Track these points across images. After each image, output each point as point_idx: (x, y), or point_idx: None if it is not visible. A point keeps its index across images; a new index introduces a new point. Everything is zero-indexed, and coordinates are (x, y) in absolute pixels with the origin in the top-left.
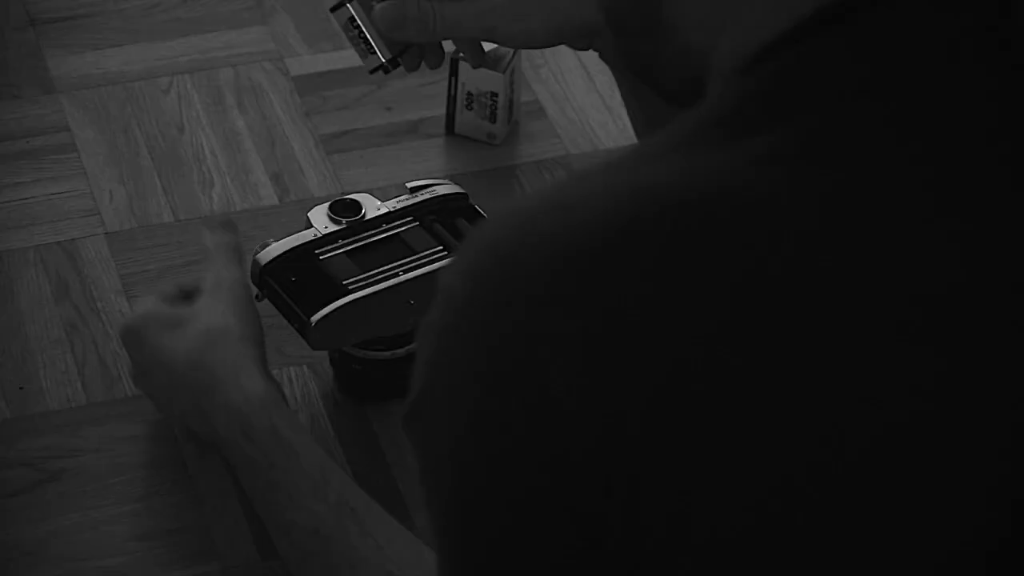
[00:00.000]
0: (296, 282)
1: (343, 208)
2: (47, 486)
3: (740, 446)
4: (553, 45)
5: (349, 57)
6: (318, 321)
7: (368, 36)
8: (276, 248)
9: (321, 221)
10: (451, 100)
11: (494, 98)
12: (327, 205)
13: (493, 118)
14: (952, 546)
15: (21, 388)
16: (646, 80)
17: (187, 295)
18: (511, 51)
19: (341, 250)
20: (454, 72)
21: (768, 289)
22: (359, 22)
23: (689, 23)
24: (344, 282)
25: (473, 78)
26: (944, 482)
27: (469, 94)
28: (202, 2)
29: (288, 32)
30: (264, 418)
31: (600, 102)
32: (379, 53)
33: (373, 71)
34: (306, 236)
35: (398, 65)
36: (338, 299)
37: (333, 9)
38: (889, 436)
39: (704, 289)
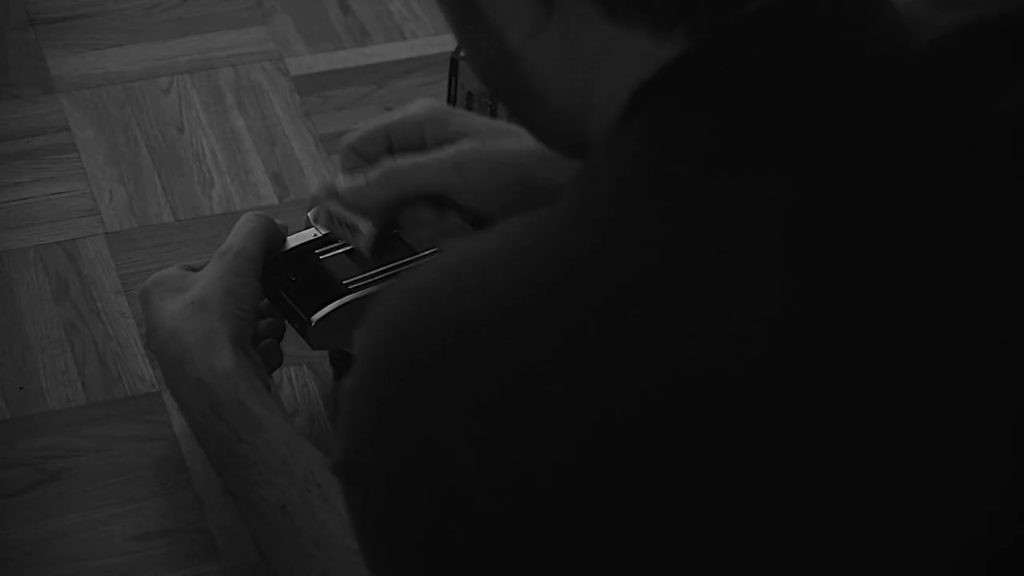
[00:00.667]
0: (296, 282)
1: None
2: (47, 486)
3: (710, 473)
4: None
5: (349, 57)
6: (318, 321)
7: (347, 221)
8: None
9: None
10: (451, 100)
11: (494, 98)
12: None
13: (493, 118)
14: (951, 556)
15: (21, 388)
16: (536, 139)
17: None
18: None
19: (341, 250)
20: (454, 72)
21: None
22: (337, 213)
23: (557, 91)
24: (344, 282)
25: (473, 78)
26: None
27: (469, 94)
28: (202, 2)
29: (288, 32)
30: (230, 391)
31: None
32: (361, 230)
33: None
34: (306, 236)
35: (393, 231)
36: (338, 299)
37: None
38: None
39: (628, 345)
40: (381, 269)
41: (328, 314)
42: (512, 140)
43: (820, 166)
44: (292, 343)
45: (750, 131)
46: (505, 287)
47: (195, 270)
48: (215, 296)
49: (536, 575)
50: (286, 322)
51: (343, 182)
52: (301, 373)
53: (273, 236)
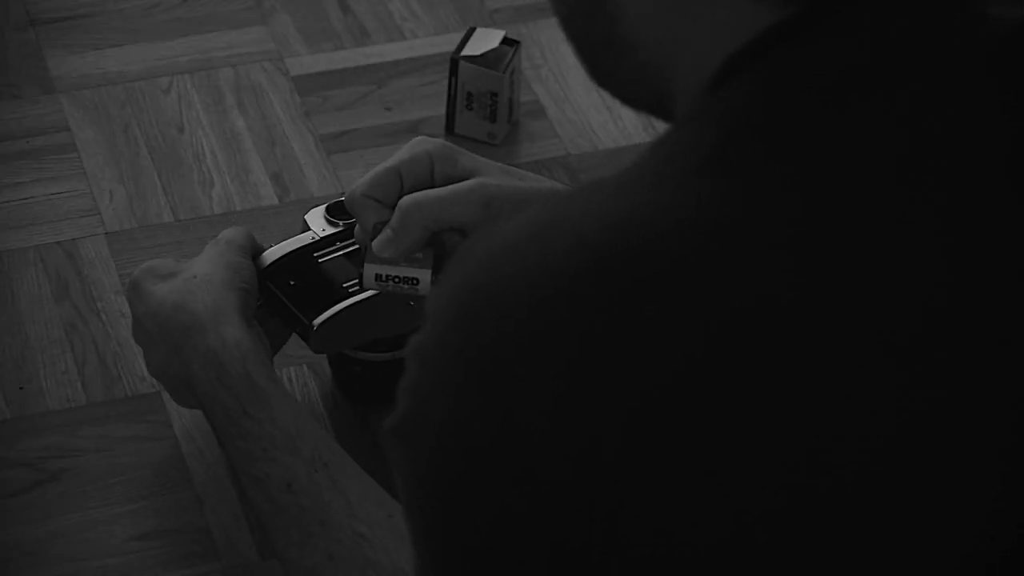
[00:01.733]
0: (296, 286)
1: (340, 210)
2: (47, 486)
3: (722, 470)
4: None
5: (349, 57)
6: (320, 325)
7: (400, 275)
8: (274, 252)
9: (318, 224)
10: (451, 100)
11: (494, 98)
12: (323, 208)
13: (493, 118)
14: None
15: (21, 388)
16: (614, 94)
17: None
18: (511, 51)
19: (339, 253)
20: (454, 72)
21: (743, 321)
22: (388, 274)
23: (647, 41)
24: (344, 285)
25: (473, 78)
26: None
27: (469, 94)
28: (202, 2)
29: (288, 32)
30: (238, 364)
31: (600, 102)
32: (418, 278)
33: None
34: (304, 239)
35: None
36: (339, 302)
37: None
38: (876, 461)
39: (676, 323)
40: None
41: (330, 318)
42: (516, 179)
43: (851, 166)
44: (292, 344)
45: (826, 116)
46: (595, 249)
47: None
48: (218, 271)
49: (592, 552)
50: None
51: (373, 244)
52: (301, 373)
53: (253, 245)
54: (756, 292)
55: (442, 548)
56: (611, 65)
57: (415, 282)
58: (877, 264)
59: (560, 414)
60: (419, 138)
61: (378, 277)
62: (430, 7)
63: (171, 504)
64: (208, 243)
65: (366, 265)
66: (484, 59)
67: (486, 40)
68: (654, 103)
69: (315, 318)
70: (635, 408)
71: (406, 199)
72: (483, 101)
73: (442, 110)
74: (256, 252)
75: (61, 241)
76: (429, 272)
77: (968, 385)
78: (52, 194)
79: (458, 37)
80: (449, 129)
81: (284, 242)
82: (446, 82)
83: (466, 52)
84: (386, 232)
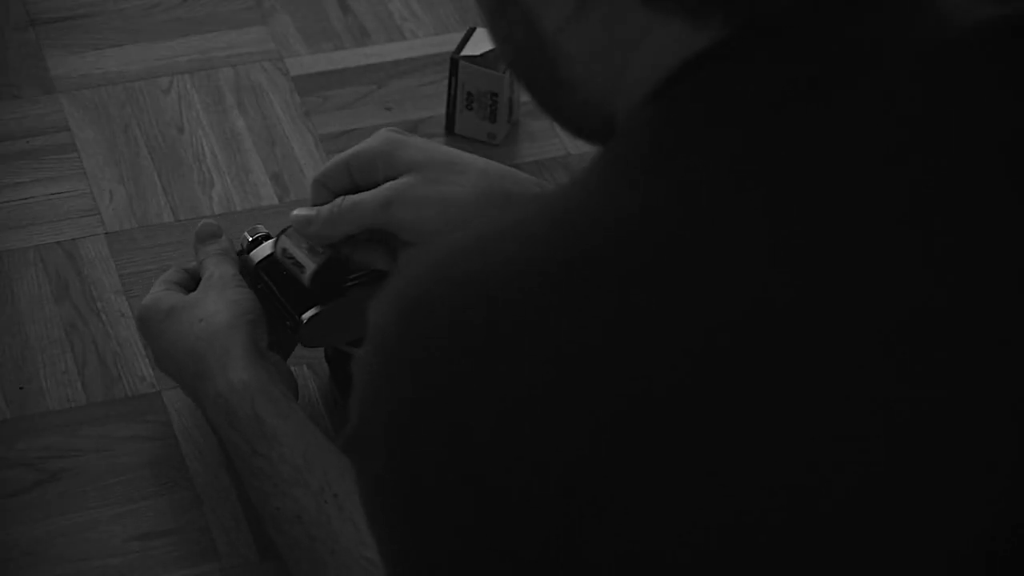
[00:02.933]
0: (288, 278)
1: None
2: (47, 486)
3: (715, 474)
4: None
5: (349, 57)
6: (310, 319)
7: (296, 257)
8: (269, 246)
9: None
10: (451, 100)
11: (494, 98)
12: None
13: (493, 118)
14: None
15: (21, 388)
16: (564, 127)
17: (192, 276)
18: None
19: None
20: (454, 72)
21: (729, 325)
22: (286, 247)
23: (588, 80)
24: (335, 280)
25: (473, 78)
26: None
27: (469, 94)
28: (202, 2)
29: (288, 32)
30: (246, 406)
31: None
32: (307, 265)
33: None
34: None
35: (338, 265)
36: (329, 297)
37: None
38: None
39: (636, 327)
40: (376, 270)
41: (319, 312)
42: (456, 176)
43: (825, 163)
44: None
45: (761, 127)
46: (543, 256)
47: (173, 282)
48: (221, 310)
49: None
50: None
51: (297, 214)
52: (301, 373)
53: (228, 247)
54: (745, 295)
55: (402, 557)
56: (559, 102)
57: (301, 269)
58: (873, 263)
59: (510, 422)
60: (380, 131)
61: (284, 252)
62: (430, 7)
63: (171, 504)
64: (203, 279)
65: (281, 236)
66: (484, 59)
67: (486, 40)
68: (598, 131)
69: (304, 312)
70: (610, 413)
71: (340, 200)
72: (483, 101)
73: (442, 110)
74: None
75: (61, 241)
76: (315, 268)
77: (968, 385)
78: (52, 194)
79: (458, 37)
80: (449, 129)
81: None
82: (446, 82)
83: (466, 52)
84: (311, 212)
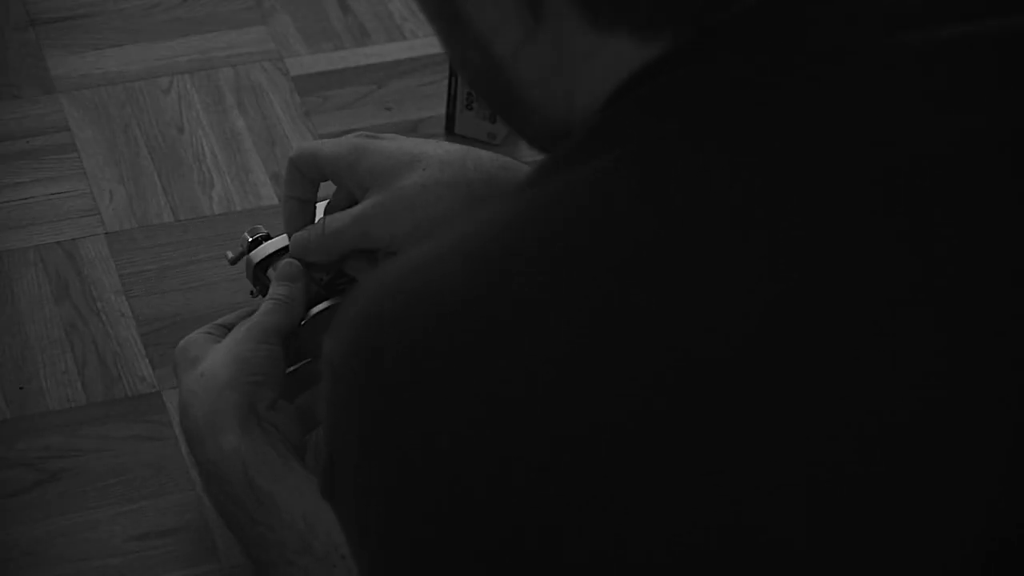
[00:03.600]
0: None
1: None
2: (47, 486)
3: (701, 478)
4: None
5: (349, 57)
6: (309, 319)
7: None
8: (271, 245)
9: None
10: (451, 100)
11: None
12: (324, 204)
13: (493, 118)
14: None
15: (21, 388)
16: (531, 145)
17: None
18: None
19: None
20: (454, 72)
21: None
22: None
23: (543, 100)
24: (337, 281)
25: None
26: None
27: (469, 94)
28: (202, 2)
29: (288, 32)
30: (239, 473)
31: None
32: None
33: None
34: None
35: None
36: (329, 297)
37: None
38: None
39: (570, 322)
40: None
41: (319, 313)
42: (418, 175)
43: (791, 158)
44: None
45: (710, 129)
46: (487, 269)
47: (226, 327)
48: (223, 367)
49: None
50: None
51: (297, 238)
52: None
53: (295, 311)
54: (722, 295)
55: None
56: (520, 120)
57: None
58: (860, 259)
59: (466, 437)
60: (344, 137)
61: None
62: None
63: (171, 504)
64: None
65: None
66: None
67: None
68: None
69: (305, 311)
70: (576, 423)
71: (321, 227)
72: (483, 101)
73: (442, 110)
74: (307, 303)
75: (61, 241)
76: (261, 298)
77: (965, 381)
78: (52, 194)
79: None
80: (449, 129)
81: (282, 235)
82: (446, 82)
83: None
84: (303, 242)
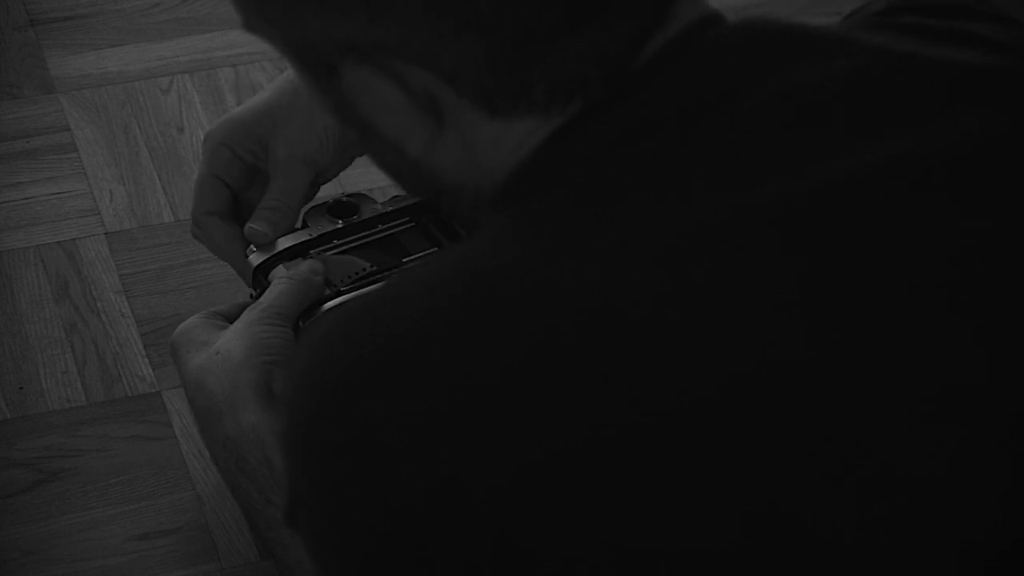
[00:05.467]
0: None
1: (340, 208)
2: (47, 486)
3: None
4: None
5: None
6: (308, 325)
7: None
8: (268, 248)
9: (317, 221)
10: None
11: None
12: (325, 205)
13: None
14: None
15: (21, 388)
16: (477, 215)
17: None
18: None
19: (335, 250)
20: None
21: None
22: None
23: (467, 182)
24: (336, 283)
25: None
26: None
27: None
28: (202, 2)
29: None
30: (257, 451)
31: None
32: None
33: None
34: (301, 236)
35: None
36: (330, 300)
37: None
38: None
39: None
40: (375, 270)
41: (320, 316)
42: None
43: (663, 207)
44: None
45: (603, 173)
46: (442, 305)
47: (222, 315)
48: (241, 345)
49: None
50: None
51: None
52: None
53: (307, 293)
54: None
55: None
56: (454, 202)
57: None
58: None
59: (421, 460)
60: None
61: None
62: None
63: (171, 504)
64: (248, 306)
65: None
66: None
67: None
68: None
69: (306, 317)
70: (526, 460)
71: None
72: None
73: None
74: (315, 293)
75: (61, 241)
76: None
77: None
78: (52, 194)
79: None
80: None
81: (282, 237)
82: None
83: None
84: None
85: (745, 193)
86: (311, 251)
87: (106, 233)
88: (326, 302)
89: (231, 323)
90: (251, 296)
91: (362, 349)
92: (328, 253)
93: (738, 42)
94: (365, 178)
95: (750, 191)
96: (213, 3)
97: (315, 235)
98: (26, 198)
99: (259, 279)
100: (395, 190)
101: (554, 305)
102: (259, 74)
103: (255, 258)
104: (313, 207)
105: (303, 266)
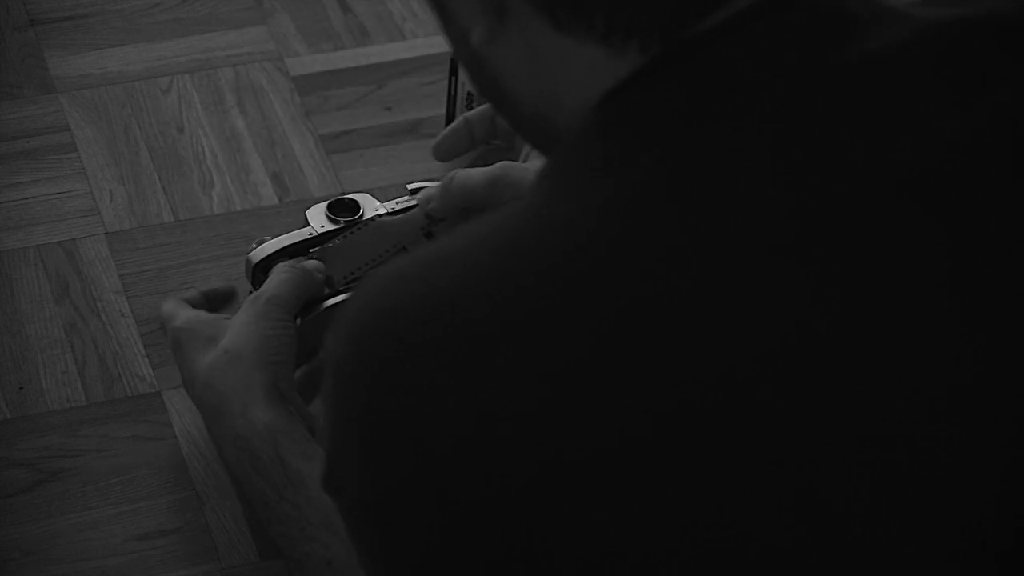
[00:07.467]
0: None
1: (341, 208)
2: (47, 486)
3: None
4: None
5: (349, 57)
6: (306, 322)
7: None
8: (270, 246)
9: (319, 220)
10: (451, 100)
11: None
12: (326, 204)
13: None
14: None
15: (21, 388)
16: (527, 141)
17: (210, 300)
18: None
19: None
20: (454, 72)
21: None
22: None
23: (526, 95)
24: (336, 281)
25: None
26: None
27: (469, 94)
28: (202, 2)
29: (288, 32)
30: (270, 449)
31: None
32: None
33: None
34: (301, 234)
35: None
36: (330, 298)
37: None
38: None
39: (562, 335)
40: (366, 268)
41: (316, 315)
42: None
43: (732, 180)
44: None
45: (676, 148)
46: (488, 277)
47: (209, 299)
48: (249, 344)
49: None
50: None
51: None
52: None
53: (308, 284)
54: (651, 294)
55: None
56: (510, 115)
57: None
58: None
59: (471, 437)
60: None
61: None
62: None
63: (171, 504)
64: (247, 298)
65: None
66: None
67: None
68: (552, 147)
69: (301, 315)
70: (573, 430)
71: (450, 178)
72: (483, 101)
73: (442, 110)
74: (313, 288)
75: (61, 241)
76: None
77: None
78: (52, 194)
79: None
80: None
81: (282, 236)
82: (446, 82)
83: None
84: (431, 191)
85: (859, 158)
86: (311, 249)
87: (106, 233)
88: (325, 300)
89: (199, 307)
90: (250, 294)
91: (412, 312)
92: (331, 242)
93: (811, 14)
94: (366, 178)
95: (869, 154)
96: (213, 3)
97: (316, 234)
98: (26, 198)
99: (259, 277)
100: (395, 191)
101: (637, 280)
102: (259, 74)
103: (255, 255)
104: (315, 205)
105: (305, 263)
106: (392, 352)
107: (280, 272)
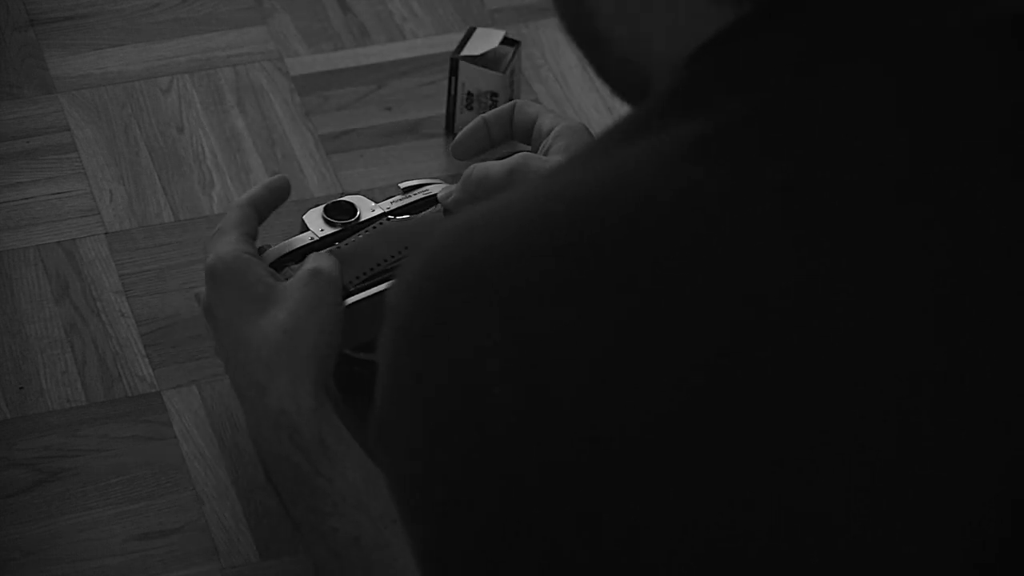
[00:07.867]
0: None
1: (337, 210)
2: (47, 486)
3: (770, 466)
4: None
5: (349, 57)
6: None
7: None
8: (273, 252)
9: (316, 224)
10: (451, 100)
11: (494, 98)
12: (321, 208)
13: None
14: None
15: (21, 388)
16: (610, 87)
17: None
18: (511, 51)
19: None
20: (454, 72)
21: (757, 310)
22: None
23: (621, 37)
24: (347, 282)
25: (473, 78)
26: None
27: (469, 94)
28: (202, 2)
29: (288, 32)
30: (314, 428)
31: (600, 102)
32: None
33: None
34: (303, 239)
35: None
36: (346, 298)
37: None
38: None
39: (657, 309)
40: (386, 267)
41: (352, 304)
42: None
43: (840, 136)
44: None
45: (779, 98)
46: (554, 232)
47: (256, 248)
48: (310, 334)
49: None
50: None
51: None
52: None
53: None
54: (768, 279)
55: (435, 553)
56: (600, 60)
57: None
58: (881, 245)
59: (531, 409)
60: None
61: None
62: (430, 7)
63: (171, 504)
64: (300, 272)
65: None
66: (484, 59)
67: (486, 40)
68: (638, 95)
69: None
70: (637, 408)
71: (470, 171)
72: (483, 101)
73: (442, 110)
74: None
75: (61, 241)
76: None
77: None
78: (52, 194)
79: (458, 37)
80: (449, 129)
81: (283, 242)
82: (446, 82)
83: (466, 52)
84: (449, 188)
85: (973, 125)
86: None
87: (106, 233)
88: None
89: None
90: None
91: (463, 266)
92: (342, 244)
93: None
94: (366, 178)
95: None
96: (213, 3)
97: (316, 238)
98: (26, 198)
99: None
100: (395, 191)
101: (744, 264)
102: (259, 74)
103: (267, 257)
104: (311, 210)
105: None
106: (451, 312)
107: (330, 256)
